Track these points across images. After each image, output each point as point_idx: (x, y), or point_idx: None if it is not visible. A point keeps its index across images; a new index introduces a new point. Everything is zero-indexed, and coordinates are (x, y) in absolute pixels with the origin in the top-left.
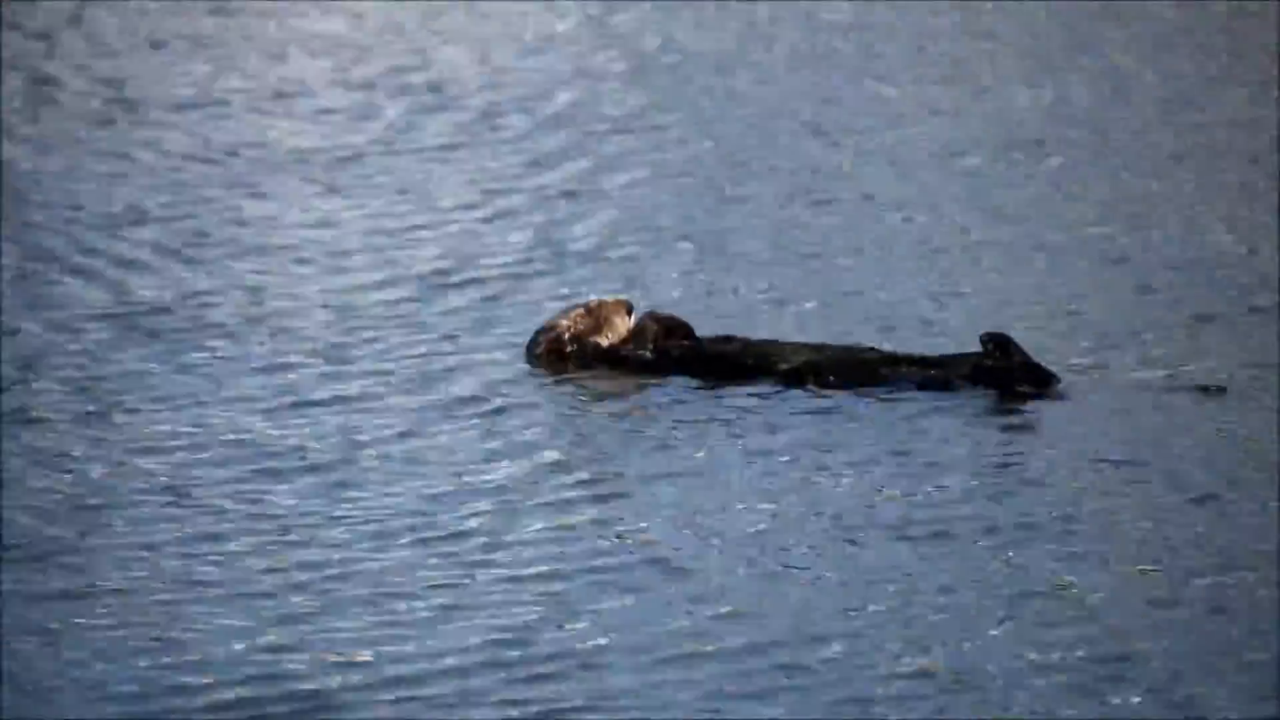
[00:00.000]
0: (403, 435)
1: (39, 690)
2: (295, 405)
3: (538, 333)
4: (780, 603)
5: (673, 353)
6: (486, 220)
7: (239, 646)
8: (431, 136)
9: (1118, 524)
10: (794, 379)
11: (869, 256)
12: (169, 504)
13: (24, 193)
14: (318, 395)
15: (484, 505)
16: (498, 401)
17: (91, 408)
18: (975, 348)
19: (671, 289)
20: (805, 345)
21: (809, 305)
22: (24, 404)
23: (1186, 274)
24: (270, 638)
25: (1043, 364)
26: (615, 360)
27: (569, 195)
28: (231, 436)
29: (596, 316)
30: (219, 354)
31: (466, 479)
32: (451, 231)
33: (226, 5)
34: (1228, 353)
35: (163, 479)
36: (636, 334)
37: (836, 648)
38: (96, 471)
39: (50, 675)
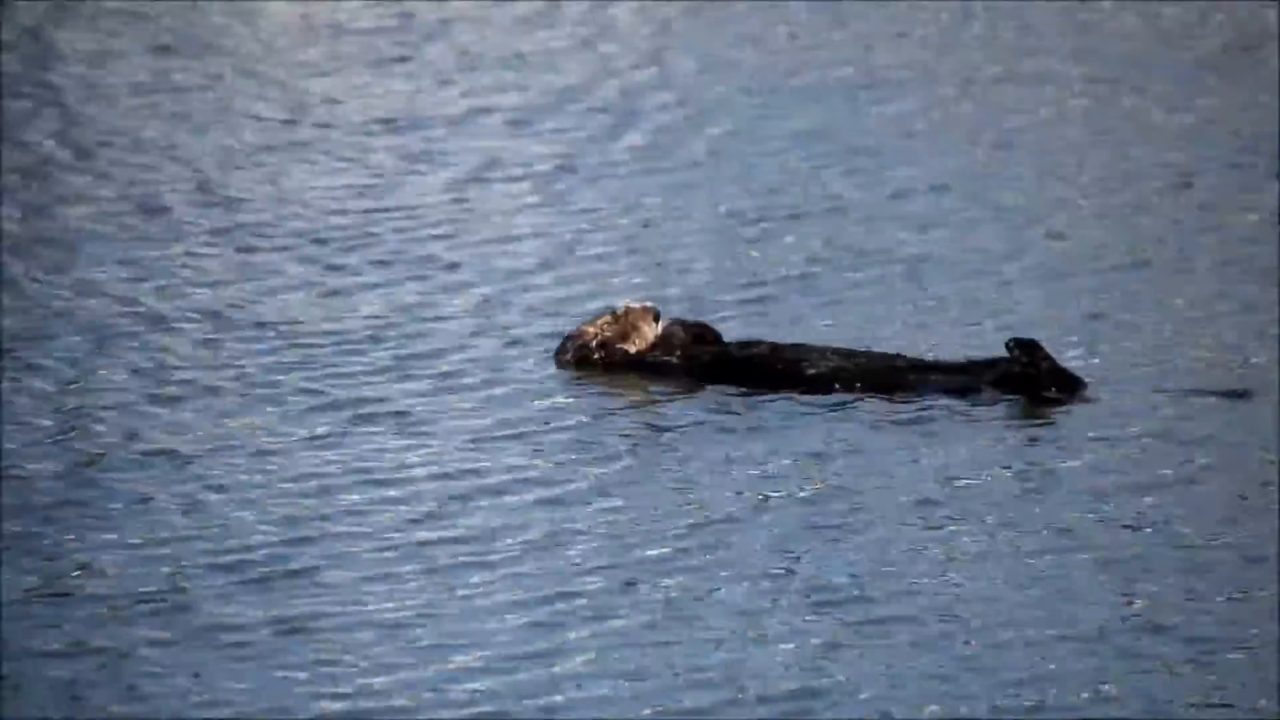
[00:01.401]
0: (620, 454)
1: None
2: (515, 422)
3: (565, 339)
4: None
5: (700, 359)
6: (689, 237)
7: (465, 687)
8: (624, 152)
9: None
10: (821, 385)
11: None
12: (399, 527)
13: (235, 213)
14: (538, 413)
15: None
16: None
17: (321, 430)
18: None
19: (868, 309)
20: (833, 351)
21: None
22: (250, 422)
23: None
24: (499, 677)
25: (1070, 369)
26: (642, 366)
27: (773, 216)
28: (456, 462)
29: (624, 323)
30: (440, 370)
31: (677, 505)
32: (651, 249)
33: (409, 27)
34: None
35: (395, 502)
36: (664, 340)
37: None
38: (329, 494)
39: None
